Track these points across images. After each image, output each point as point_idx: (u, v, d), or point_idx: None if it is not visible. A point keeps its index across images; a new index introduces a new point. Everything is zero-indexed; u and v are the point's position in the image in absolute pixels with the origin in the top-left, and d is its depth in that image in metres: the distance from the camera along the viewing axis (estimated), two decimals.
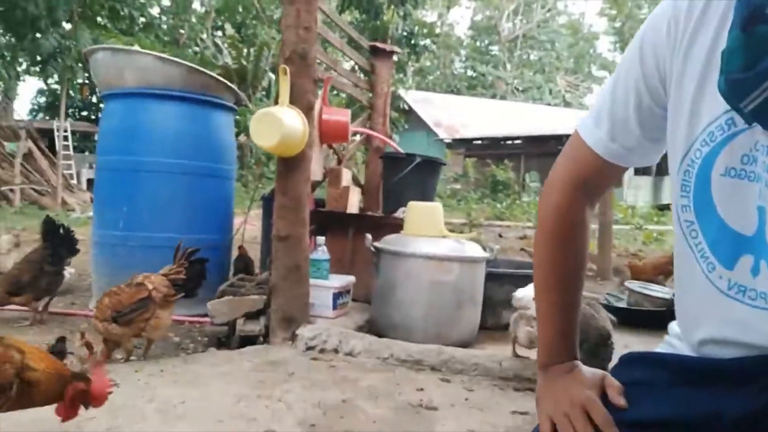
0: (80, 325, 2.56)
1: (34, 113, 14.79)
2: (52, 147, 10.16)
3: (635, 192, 16.31)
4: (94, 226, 3.06)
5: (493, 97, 28.04)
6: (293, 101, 2.27)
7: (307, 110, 2.31)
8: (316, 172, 2.62)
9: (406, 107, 18.26)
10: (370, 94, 3.51)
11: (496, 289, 2.71)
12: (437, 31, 22.83)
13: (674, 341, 0.80)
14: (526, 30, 31.36)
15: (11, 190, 8.24)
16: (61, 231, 2.70)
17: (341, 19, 3.15)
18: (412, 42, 13.33)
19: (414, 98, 20.88)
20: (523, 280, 2.34)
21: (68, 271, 2.84)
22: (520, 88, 30.47)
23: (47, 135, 11.17)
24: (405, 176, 3.11)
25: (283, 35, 2.32)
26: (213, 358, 2.13)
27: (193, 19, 19.43)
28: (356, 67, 4.10)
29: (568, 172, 0.88)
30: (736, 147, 0.67)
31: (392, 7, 12.62)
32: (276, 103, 2.28)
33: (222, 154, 3.13)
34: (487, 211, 13.08)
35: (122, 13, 13.66)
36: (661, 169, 15.94)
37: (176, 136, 2.94)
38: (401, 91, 15.98)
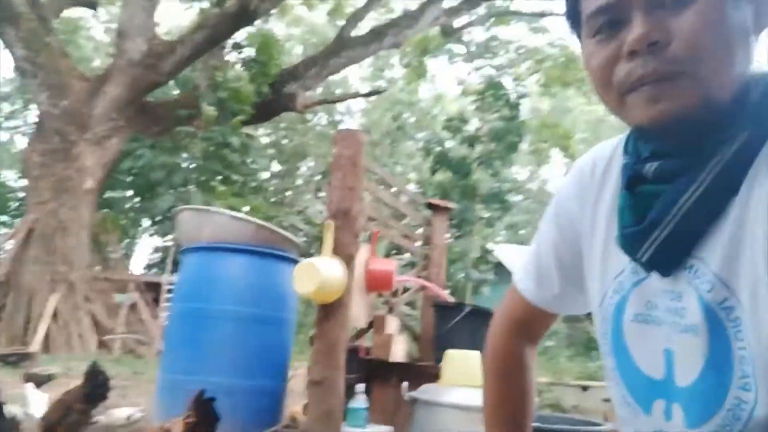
0: None
1: (149, 268, 16.18)
2: (159, 300, 11.02)
3: None
4: (160, 370, 3.28)
5: None
6: (336, 252, 2.48)
7: (348, 260, 2.50)
8: (360, 318, 2.75)
9: (494, 261, 18.21)
10: (426, 248, 3.69)
11: None
12: (528, 186, 23.26)
13: None
14: None
15: (113, 340, 8.85)
16: (100, 377, 2.91)
17: (401, 180, 3.43)
18: (502, 198, 13.67)
19: (504, 252, 20.83)
20: None
21: (106, 414, 2.97)
22: None
23: (156, 288, 12.15)
24: (455, 325, 3.16)
25: (330, 194, 2.59)
26: None
27: (299, 182, 21.18)
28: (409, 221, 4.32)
29: (506, 317, 0.97)
30: (641, 294, 0.73)
31: (481, 166, 13.20)
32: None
33: (282, 303, 3.34)
34: (576, 370, 12.33)
35: (235, 179, 15.27)
36: None
37: (240, 285, 3.20)
38: (490, 245, 16.09)
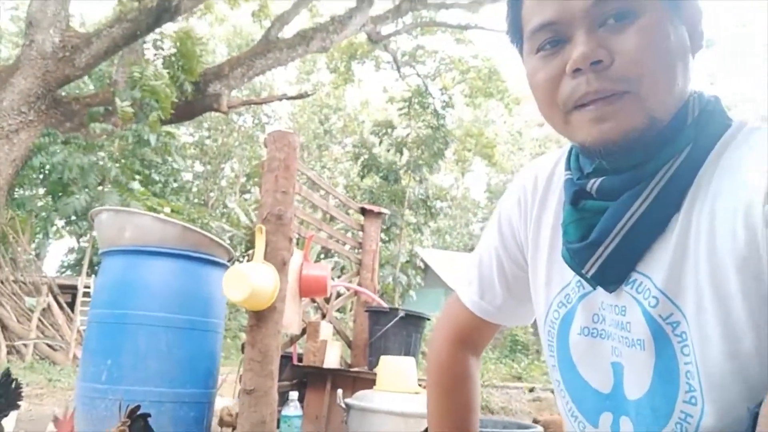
0: None
1: (63, 270, 15.37)
2: (75, 303, 10.48)
3: None
4: (78, 379, 3.10)
5: None
6: (268, 258, 2.42)
7: (281, 265, 2.44)
8: (293, 325, 2.70)
9: (423, 265, 18.53)
10: (359, 252, 3.67)
11: None
12: (453, 194, 23.78)
13: None
14: None
15: (25, 345, 8.34)
16: (12, 384, 2.73)
17: (329, 185, 3.40)
18: (428, 204, 13.93)
19: (430, 257, 21.22)
20: None
21: (11, 420, 2.80)
22: None
23: (71, 291, 11.55)
24: (388, 331, 3.16)
25: (262, 198, 2.52)
26: None
27: (224, 183, 20.71)
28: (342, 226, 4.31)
29: (448, 328, 0.96)
30: (587, 307, 0.73)
31: (409, 172, 13.44)
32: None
33: (209, 309, 3.23)
34: (504, 371, 12.70)
35: (156, 179, 14.71)
36: None
37: (165, 291, 3.06)
38: (418, 249, 16.33)
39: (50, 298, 9.30)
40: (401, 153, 13.62)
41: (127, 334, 2.99)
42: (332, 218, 3.58)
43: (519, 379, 11.89)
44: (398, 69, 15.04)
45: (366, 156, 13.92)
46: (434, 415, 0.94)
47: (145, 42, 10.13)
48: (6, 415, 2.78)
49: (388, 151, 14.23)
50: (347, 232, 3.86)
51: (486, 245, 0.89)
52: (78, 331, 9.09)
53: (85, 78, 10.88)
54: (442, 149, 13.95)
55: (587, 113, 0.65)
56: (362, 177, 14.10)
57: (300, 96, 13.21)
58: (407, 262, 13.71)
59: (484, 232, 0.91)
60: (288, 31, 11.28)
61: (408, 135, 13.86)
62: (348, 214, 3.65)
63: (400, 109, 14.00)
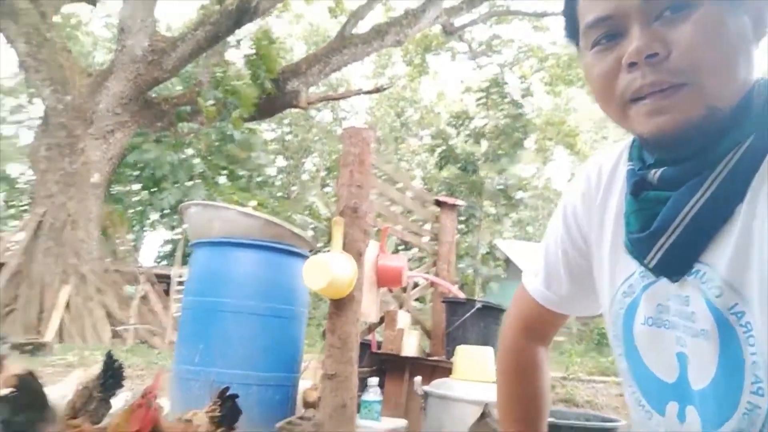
0: None
1: (159, 260, 16.28)
2: (169, 291, 11.16)
3: None
4: (174, 362, 3.32)
5: None
6: (346, 249, 2.50)
7: (358, 256, 2.52)
8: (371, 314, 2.78)
9: (504, 257, 18.26)
10: (435, 244, 3.71)
11: None
12: (534, 184, 23.26)
13: None
14: None
15: (126, 330, 8.96)
16: (116, 365, 2.96)
17: (406, 178, 3.46)
18: (508, 195, 13.70)
19: (511, 248, 20.88)
20: None
21: (123, 399, 3.04)
22: None
23: (166, 280, 12.28)
24: (465, 321, 3.19)
25: (338, 192, 2.61)
26: None
27: (305, 177, 21.23)
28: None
29: (516, 317, 0.98)
30: (651, 297, 0.74)
31: (487, 163, 13.23)
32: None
33: (293, 297, 3.37)
34: (590, 365, 12.35)
35: (240, 173, 15.31)
36: None
37: (251, 281, 3.22)
38: (498, 241, 16.09)
39: (147, 287, 9.91)
40: (479, 143, 13.40)
41: (217, 320, 3.17)
42: (409, 211, 3.63)
43: (606, 373, 11.54)
44: (474, 59, 14.83)
45: (443, 147, 13.78)
46: (502, 402, 0.97)
47: (227, 43, 10.54)
48: (114, 395, 3.05)
49: (466, 141, 14.04)
50: (424, 224, 3.91)
51: (552, 236, 0.90)
52: (173, 318, 9.65)
53: (173, 80, 11.46)
54: (521, 139, 13.63)
55: (643, 106, 0.66)
56: (440, 168, 14.00)
57: (376, 90, 13.31)
58: (487, 253, 13.50)
59: (550, 223, 0.92)
60: (363, 27, 11.41)
61: (486, 125, 13.64)
62: (424, 206, 3.69)
63: (478, 99, 13.80)
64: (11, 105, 15.51)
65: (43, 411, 2.43)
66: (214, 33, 9.23)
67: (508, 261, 20.05)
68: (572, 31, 0.75)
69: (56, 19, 10.09)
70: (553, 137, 16.64)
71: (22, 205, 12.67)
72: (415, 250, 4.23)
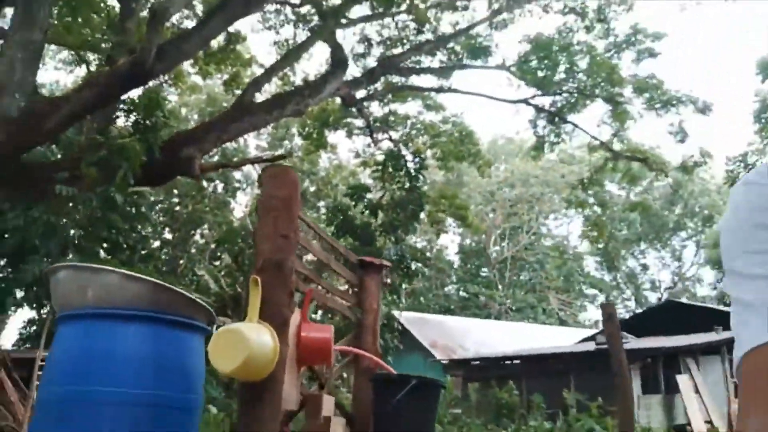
0: None
1: (21, 343, 14.46)
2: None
3: (647, 412, 15.25)
4: None
5: (487, 317, 28.01)
6: (264, 316, 1.98)
7: (281, 326, 2.01)
8: (290, 399, 2.23)
9: (400, 328, 18.11)
10: (359, 311, 3.24)
11: None
12: (428, 255, 23.61)
13: None
14: (514, 252, 32.51)
15: None
16: None
17: (326, 232, 3.01)
18: (404, 266, 13.76)
19: (408, 319, 20.74)
20: None
21: None
22: (513, 308, 30.64)
23: (29, 365, 10.73)
24: (399, 402, 2.70)
25: (257, 245, 2.11)
26: None
27: (193, 250, 20.10)
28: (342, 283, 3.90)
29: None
30: None
31: (384, 234, 13.40)
32: (244, 318, 1.99)
33: (188, 382, 2.74)
34: None
35: (123, 245, 14.08)
36: (670, 386, 15.13)
37: (135, 361, 2.58)
38: (395, 312, 15.97)
39: (3, 374, 8.55)
40: (376, 215, 13.62)
41: (89, 415, 2.47)
42: (332, 271, 3.17)
43: None
44: (371, 134, 15.17)
45: (341, 218, 13.82)
46: None
47: (115, 108, 9.90)
48: None
49: (363, 213, 14.22)
50: (350, 288, 3.45)
51: (753, 269, 0.72)
52: (33, 409, 8.34)
53: (53, 147, 10.48)
54: (417, 211, 14.08)
55: None
56: (338, 239, 13.86)
57: (275, 158, 12.97)
58: (385, 325, 13.39)
59: (732, 267, 0.75)
60: (260, 99, 11.23)
61: (383, 197, 13.91)
62: (345, 266, 3.23)
63: (374, 171, 14.04)
64: None
65: None
66: (101, 94, 8.53)
67: (404, 332, 19.81)
68: None
69: None
70: (445, 209, 17.40)
71: None
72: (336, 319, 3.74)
